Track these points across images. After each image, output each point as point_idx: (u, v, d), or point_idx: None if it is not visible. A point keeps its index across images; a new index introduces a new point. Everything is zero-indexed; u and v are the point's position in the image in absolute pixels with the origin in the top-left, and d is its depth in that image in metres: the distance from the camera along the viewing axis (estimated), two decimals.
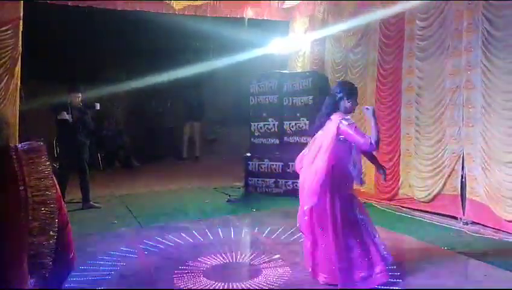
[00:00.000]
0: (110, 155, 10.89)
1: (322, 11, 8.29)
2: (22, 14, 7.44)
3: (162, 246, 4.97)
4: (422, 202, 6.22)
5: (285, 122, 7.75)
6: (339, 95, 3.88)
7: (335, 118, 3.81)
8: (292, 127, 7.70)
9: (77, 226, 5.80)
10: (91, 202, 6.87)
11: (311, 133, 4.16)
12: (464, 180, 5.69)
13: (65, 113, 6.66)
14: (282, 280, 4.02)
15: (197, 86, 11.66)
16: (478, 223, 5.45)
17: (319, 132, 3.94)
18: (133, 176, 9.68)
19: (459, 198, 5.75)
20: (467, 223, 5.55)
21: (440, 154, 5.97)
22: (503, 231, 5.10)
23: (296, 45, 9.15)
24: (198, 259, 4.51)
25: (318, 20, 8.52)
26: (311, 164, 3.83)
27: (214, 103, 11.96)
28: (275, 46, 8.93)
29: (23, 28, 7.47)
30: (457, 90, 5.72)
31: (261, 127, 7.97)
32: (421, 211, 6.20)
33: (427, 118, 6.17)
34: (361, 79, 7.43)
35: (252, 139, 8.09)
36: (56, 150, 9.09)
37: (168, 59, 9.95)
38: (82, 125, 6.76)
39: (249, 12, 8.82)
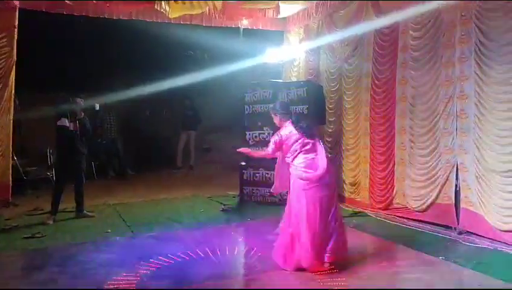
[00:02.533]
0: (105, 164, 10.84)
1: (317, 22, 8.36)
2: (17, 23, 7.45)
3: (154, 257, 4.94)
4: (417, 211, 6.23)
5: None
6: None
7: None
8: None
9: (70, 235, 5.82)
10: (85, 211, 6.83)
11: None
12: (458, 189, 5.71)
13: (65, 119, 6.58)
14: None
15: (193, 95, 11.67)
16: (472, 233, 5.45)
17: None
18: (127, 185, 9.64)
19: (453, 208, 5.76)
20: (461, 233, 5.55)
21: (434, 164, 5.99)
22: (497, 240, 5.10)
23: (290, 55, 9.19)
24: (192, 265, 4.49)
25: (313, 30, 8.58)
26: None
27: (209, 112, 11.95)
28: (270, 56, 8.96)
29: (18, 36, 7.47)
30: (450, 100, 5.75)
31: (256, 136, 7.96)
32: (416, 220, 6.20)
33: (421, 127, 6.20)
34: (355, 89, 7.48)
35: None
36: (50, 159, 9.08)
37: (163, 68, 9.96)
38: (81, 132, 6.69)
39: (244, 22, 8.87)
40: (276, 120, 4.89)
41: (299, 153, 4.60)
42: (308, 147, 4.61)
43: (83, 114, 6.70)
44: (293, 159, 4.62)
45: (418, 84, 6.26)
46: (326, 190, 4.47)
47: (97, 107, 7.03)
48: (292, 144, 4.63)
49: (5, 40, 7.30)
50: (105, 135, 10.78)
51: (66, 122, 6.55)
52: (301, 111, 7.41)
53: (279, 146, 4.70)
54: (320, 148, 4.62)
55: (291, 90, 7.73)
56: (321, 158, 4.54)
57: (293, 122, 4.75)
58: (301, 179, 4.50)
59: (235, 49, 8.64)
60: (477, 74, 5.34)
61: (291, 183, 4.61)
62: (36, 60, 9.12)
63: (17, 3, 7.40)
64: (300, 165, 4.55)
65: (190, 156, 11.60)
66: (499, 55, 5.11)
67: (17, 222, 6.43)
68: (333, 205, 4.49)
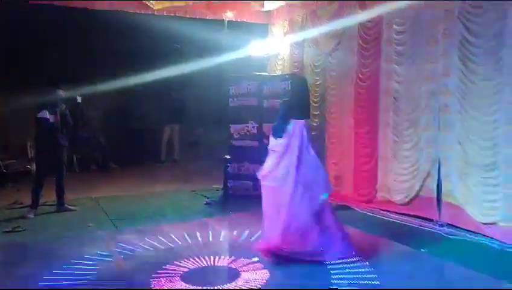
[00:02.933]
0: (86, 157, 10.70)
1: (302, 15, 8.34)
2: None
3: (139, 250, 4.90)
4: (400, 204, 6.28)
5: (264, 125, 7.71)
6: None
7: None
8: None
9: (52, 229, 5.74)
10: (66, 205, 6.73)
11: None
12: (440, 183, 5.77)
13: (46, 112, 6.46)
14: (260, 283, 4.01)
15: (177, 87, 11.57)
16: (454, 226, 5.52)
17: None
18: (110, 179, 9.54)
19: (435, 201, 5.82)
20: (442, 226, 5.62)
21: (417, 158, 6.04)
22: (478, 233, 5.17)
23: (275, 48, 9.16)
24: (176, 263, 4.47)
25: (297, 23, 8.55)
26: None
27: (193, 105, 11.87)
28: (255, 49, 8.92)
29: None
30: (434, 95, 5.80)
31: (240, 130, 7.94)
32: (399, 213, 6.25)
33: (404, 121, 6.24)
34: (339, 83, 7.49)
35: (232, 142, 8.05)
36: (31, 152, 8.92)
37: (148, 60, 9.84)
38: (63, 125, 6.57)
39: (229, 15, 8.80)
40: None
41: (268, 152, 4.80)
42: (274, 147, 4.71)
43: (63, 106, 6.59)
44: None
45: (402, 79, 6.28)
46: (274, 191, 4.56)
47: (79, 99, 6.95)
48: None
49: None
50: (87, 127, 10.63)
51: (46, 114, 6.44)
52: None
53: None
54: (283, 147, 4.61)
55: (276, 84, 7.72)
56: (274, 157, 4.65)
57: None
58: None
59: (220, 42, 8.56)
60: (460, 70, 5.38)
61: None
62: (16, 51, 8.93)
63: None
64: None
65: (174, 150, 11.53)
66: (483, 51, 5.15)
67: None
68: (289, 203, 4.44)
